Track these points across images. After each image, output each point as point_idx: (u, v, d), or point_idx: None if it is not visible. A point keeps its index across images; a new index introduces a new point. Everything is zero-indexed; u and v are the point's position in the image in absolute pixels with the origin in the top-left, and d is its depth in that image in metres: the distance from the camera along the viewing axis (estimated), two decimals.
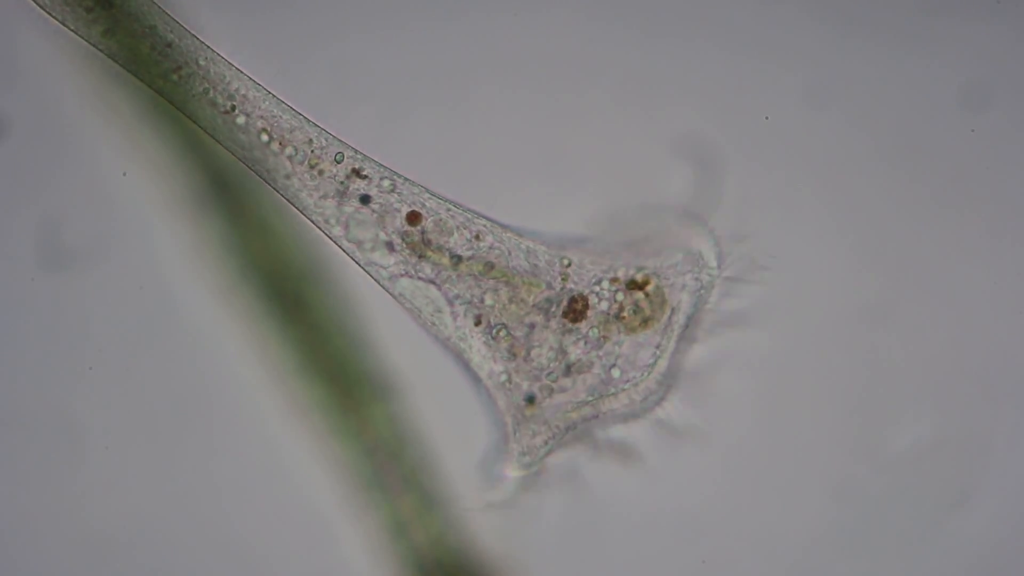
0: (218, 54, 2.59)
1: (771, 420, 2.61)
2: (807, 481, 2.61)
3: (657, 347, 2.58)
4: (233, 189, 2.61)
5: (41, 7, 2.57)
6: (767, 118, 2.63)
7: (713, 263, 2.60)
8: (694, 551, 2.61)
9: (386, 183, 2.60)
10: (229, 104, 2.58)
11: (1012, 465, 2.61)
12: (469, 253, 2.60)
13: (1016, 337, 2.62)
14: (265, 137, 2.59)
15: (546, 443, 2.60)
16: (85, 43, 2.58)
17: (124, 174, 2.61)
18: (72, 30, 2.57)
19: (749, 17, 2.64)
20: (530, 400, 2.59)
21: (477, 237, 2.60)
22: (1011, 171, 2.64)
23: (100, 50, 2.57)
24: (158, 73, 2.57)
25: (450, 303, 2.59)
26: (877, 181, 2.64)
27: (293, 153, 2.59)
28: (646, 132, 2.64)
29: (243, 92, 2.59)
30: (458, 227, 2.60)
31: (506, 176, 2.64)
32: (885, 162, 2.64)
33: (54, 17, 2.57)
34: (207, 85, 2.58)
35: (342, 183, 2.59)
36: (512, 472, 2.61)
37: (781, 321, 2.62)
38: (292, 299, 2.60)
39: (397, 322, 2.62)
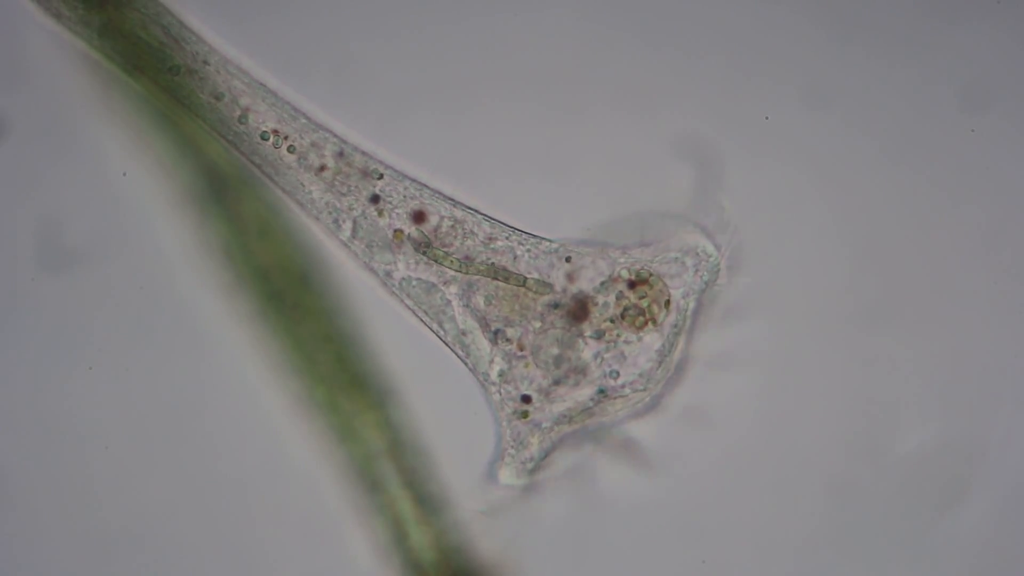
0: (223, 53, 2.59)
1: (771, 420, 2.61)
2: (808, 481, 2.61)
3: (660, 346, 2.58)
4: (233, 190, 2.61)
5: (39, 2, 2.58)
6: (767, 118, 2.63)
7: (715, 259, 2.60)
8: (694, 551, 2.61)
9: (391, 181, 2.60)
10: (239, 109, 2.59)
11: (1012, 465, 2.61)
12: (475, 254, 2.59)
13: (1016, 337, 2.62)
14: (270, 136, 2.59)
15: (545, 447, 2.60)
16: (85, 41, 2.58)
17: (124, 174, 2.61)
18: (70, 28, 2.58)
19: (749, 18, 2.65)
20: (526, 399, 2.59)
21: (488, 239, 2.60)
22: (1011, 171, 2.64)
23: (100, 48, 2.58)
24: (163, 70, 2.57)
25: (454, 304, 2.59)
26: (877, 181, 2.64)
27: (297, 151, 2.59)
28: (646, 132, 2.64)
29: (250, 91, 2.59)
30: (465, 228, 2.60)
31: (506, 178, 2.64)
32: (885, 162, 2.64)
33: (50, 13, 2.57)
34: (215, 85, 2.58)
35: (349, 182, 2.60)
36: (509, 478, 2.60)
37: (780, 321, 2.62)
38: (292, 301, 2.60)
39: (399, 324, 2.62)
